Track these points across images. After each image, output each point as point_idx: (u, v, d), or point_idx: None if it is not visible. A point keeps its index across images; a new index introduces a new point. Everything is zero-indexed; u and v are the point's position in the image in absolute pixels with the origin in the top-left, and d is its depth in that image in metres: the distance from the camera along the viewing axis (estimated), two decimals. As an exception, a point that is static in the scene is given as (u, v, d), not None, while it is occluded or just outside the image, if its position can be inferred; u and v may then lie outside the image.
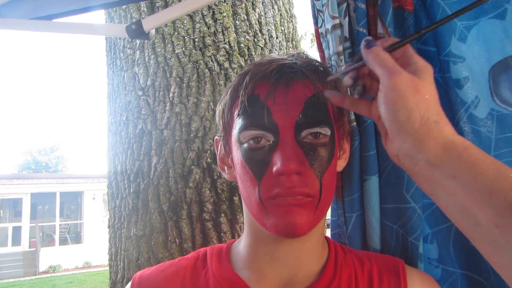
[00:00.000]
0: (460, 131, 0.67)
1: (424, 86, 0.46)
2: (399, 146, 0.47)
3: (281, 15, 1.58)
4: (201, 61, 1.34)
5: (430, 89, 0.47)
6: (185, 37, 1.37)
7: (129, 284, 0.68)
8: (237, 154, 0.62)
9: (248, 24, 1.43)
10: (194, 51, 1.36)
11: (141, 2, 1.43)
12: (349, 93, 0.61)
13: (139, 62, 1.41)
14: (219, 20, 1.39)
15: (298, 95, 0.59)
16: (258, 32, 1.44)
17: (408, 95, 0.45)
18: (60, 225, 16.41)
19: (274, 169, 0.56)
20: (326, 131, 0.60)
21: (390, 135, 0.49)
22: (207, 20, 1.38)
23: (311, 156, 0.58)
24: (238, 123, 0.61)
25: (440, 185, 0.44)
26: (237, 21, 1.41)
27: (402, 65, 0.49)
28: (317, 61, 0.66)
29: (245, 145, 0.60)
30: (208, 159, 1.27)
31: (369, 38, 0.51)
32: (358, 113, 0.72)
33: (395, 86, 0.46)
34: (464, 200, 0.42)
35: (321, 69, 0.63)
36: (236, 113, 0.63)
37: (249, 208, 0.62)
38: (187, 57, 1.35)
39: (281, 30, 1.55)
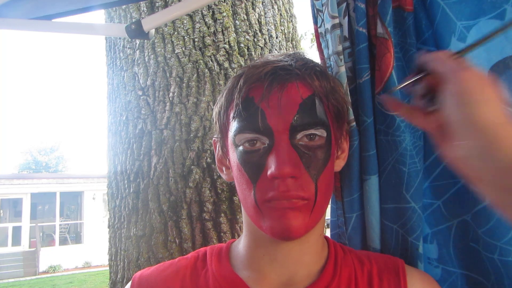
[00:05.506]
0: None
1: (493, 81, 0.44)
2: (467, 147, 0.42)
3: (281, 15, 1.58)
4: (201, 61, 1.34)
5: (497, 85, 0.44)
6: (185, 37, 1.37)
7: (129, 284, 0.68)
8: (233, 157, 0.62)
9: (248, 24, 1.43)
10: (194, 51, 1.36)
11: (141, 2, 1.43)
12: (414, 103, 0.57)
13: (139, 62, 1.41)
14: (219, 20, 1.39)
15: (293, 97, 0.58)
16: (258, 32, 1.44)
17: (478, 90, 0.42)
18: (60, 225, 16.42)
19: (269, 172, 0.56)
20: (322, 132, 0.59)
21: (457, 135, 0.44)
22: (207, 20, 1.38)
23: (306, 158, 0.57)
24: (233, 125, 0.61)
25: None
26: (237, 21, 1.41)
27: None
28: (314, 62, 0.65)
29: (241, 147, 0.60)
30: (208, 159, 1.27)
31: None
32: (403, 118, 0.67)
33: (465, 79, 0.44)
34: None
35: (318, 69, 0.63)
36: (231, 115, 0.62)
37: (245, 210, 0.63)
38: (187, 57, 1.35)
39: (281, 30, 1.55)
